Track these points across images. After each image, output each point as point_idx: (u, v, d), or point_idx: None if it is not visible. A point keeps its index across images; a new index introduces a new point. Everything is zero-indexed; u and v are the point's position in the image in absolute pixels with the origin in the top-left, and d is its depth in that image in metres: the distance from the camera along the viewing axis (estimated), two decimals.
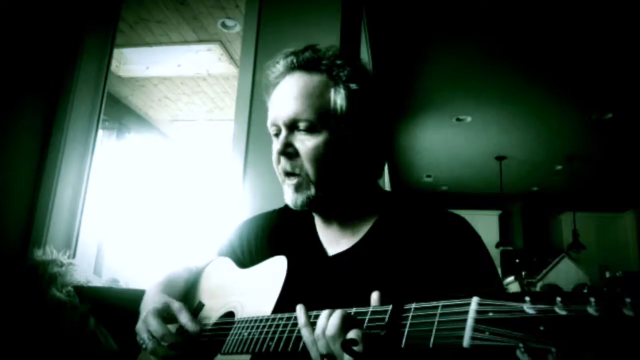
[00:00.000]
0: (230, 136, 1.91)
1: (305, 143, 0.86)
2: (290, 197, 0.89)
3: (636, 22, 3.13)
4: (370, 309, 0.65)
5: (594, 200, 7.56)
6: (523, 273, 5.88)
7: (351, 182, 0.90)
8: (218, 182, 4.45)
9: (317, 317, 0.69)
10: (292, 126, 0.87)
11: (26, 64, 2.01)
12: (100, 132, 2.26)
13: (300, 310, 0.70)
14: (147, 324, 0.89)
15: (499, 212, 7.75)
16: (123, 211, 3.91)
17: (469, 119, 4.95)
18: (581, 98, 4.33)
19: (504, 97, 4.43)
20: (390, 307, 0.62)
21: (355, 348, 0.60)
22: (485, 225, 7.61)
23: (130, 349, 1.04)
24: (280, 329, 0.75)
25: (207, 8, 2.84)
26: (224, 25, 3.00)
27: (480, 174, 6.81)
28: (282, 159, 0.89)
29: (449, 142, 5.67)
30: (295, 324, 0.71)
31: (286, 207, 1.08)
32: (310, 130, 0.86)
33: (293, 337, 0.71)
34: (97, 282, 1.97)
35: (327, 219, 0.94)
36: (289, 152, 0.87)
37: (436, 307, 0.56)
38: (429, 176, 7.13)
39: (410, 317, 0.59)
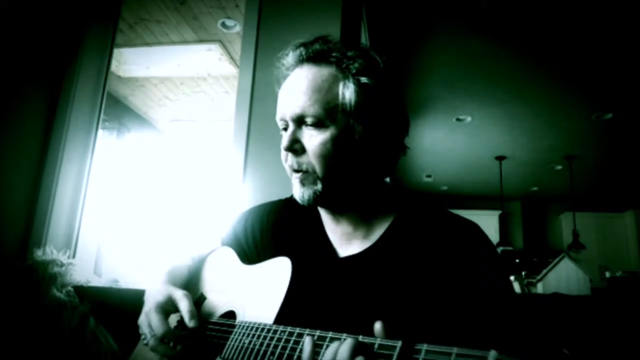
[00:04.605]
0: (230, 136, 1.91)
1: (313, 139, 0.83)
2: (297, 191, 0.86)
3: (636, 22, 3.13)
4: (378, 341, 0.60)
5: (594, 200, 7.56)
6: (523, 273, 5.88)
7: (360, 178, 0.86)
8: (218, 183, 4.45)
9: (321, 338, 0.66)
10: (299, 121, 0.84)
11: (26, 64, 2.01)
12: (100, 132, 2.26)
13: (307, 343, 0.66)
14: (149, 319, 0.87)
15: (499, 212, 7.75)
16: (123, 211, 3.91)
17: (469, 119, 4.95)
18: (581, 98, 4.34)
19: (504, 97, 4.43)
20: (399, 344, 0.57)
21: None
22: (485, 225, 7.55)
23: (131, 349, 1.04)
24: (282, 343, 0.72)
25: (207, 8, 2.84)
26: (224, 25, 3.00)
27: (480, 174, 6.81)
28: (289, 156, 0.86)
29: (449, 142, 5.67)
30: (298, 341, 0.69)
31: (292, 198, 1.05)
32: (318, 125, 0.82)
33: (294, 357, 0.68)
34: (97, 282, 1.97)
35: (336, 216, 0.90)
36: (295, 148, 0.84)
37: (449, 354, 0.51)
38: (429, 176, 7.13)
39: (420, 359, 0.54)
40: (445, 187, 7.72)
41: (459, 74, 4.01)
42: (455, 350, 0.50)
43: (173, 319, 0.90)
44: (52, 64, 2.12)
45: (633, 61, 3.62)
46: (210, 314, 0.95)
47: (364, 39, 2.83)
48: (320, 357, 0.64)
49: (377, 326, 0.62)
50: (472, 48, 3.57)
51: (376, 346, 0.59)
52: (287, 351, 0.70)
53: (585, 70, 3.79)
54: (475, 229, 0.84)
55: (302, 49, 0.87)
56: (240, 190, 1.81)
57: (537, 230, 8.18)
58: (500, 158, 6.12)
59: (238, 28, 2.99)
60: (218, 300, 0.97)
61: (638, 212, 7.35)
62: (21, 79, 1.99)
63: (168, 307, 0.89)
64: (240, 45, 2.21)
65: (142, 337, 0.89)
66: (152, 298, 0.90)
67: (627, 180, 6.69)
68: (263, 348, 0.74)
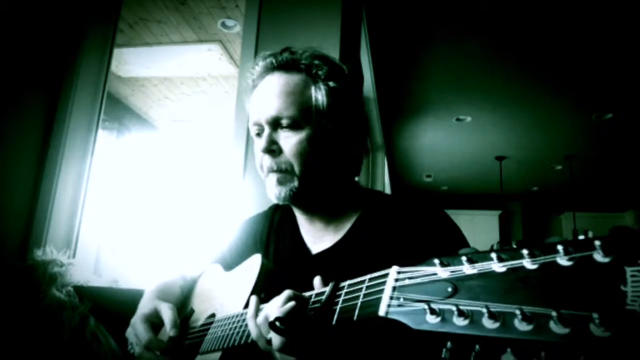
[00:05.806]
0: (230, 136, 1.91)
1: (289, 139, 0.87)
2: (274, 190, 0.89)
3: (636, 22, 3.13)
4: (315, 292, 0.67)
5: (594, 200, 7.55)
6: None
7: (333, 176, 0.92)
8: (218, 182, 4.45)
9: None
10: (275, 124, 0.88)
11: (26, 64, 2.01)
12: (100, 132, 2.26)
13: (252, 301, 0.72)
14: (135, 329, 0.92)
15: (499, 212, 7.75)
16: (123, 211, 3.91)
17: (469, 119, 4.95)
18: (581, 98, 4.33)
19: (504, 97, 4.43)
20: (330, 286, 0.64)
21: (279, 325, 0.61)
22: (485, 225, 7.61)
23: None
24: (245, 322, 0.77)
25: (207, 8, 2.84)
26: (224, 25, 3.00)
27: (480, 174, 6.81)
28: (266, 157, 0.89)
29: (449, 142, 5.67)
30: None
31: (271, 209, 1.10)
32: (294, 126, 0.87)
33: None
34: (97, 282, 1.97)
35: (310, 216, 0.95)
36: (272, 149, 0.88)
37: (363, 281, 0.57)
38: (429, 176, 7.13)
39: (343, 293, 0.60)
40: (445, 187, 7.71)
41: (459, 74, 4.01)
42: (368, 276, 0.57)
43: (165, 332, 0.93)
44: (52, 64, 2.12)
45: (633, 61, 3.62)
46: (197, 321, 1.01)
47: (364, 41, 2.83)
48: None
49: (316, 280, 0.70)
50: (472, 49, 3.57)
51: (313, 296, 0.67)
52: (249, 328, 0.76)
53: (584, 70, 3.79)
54: (436, 211, 0.89)
55: (271, 58, 0.93)
56: (240, 189, 1.81)
57: (537, 230, 8.17)
58: (500, 158, 6.12)
59: (238, 28, 2.99)
60: (203, 308, 1.03)
61: (638, 212, 7.34)
62: (21, 79, 1.99)
63: (152, 319, 0.93)
64: (240, 45, 2.21)
65: (129, 347, 0.94)
66: (139, 311, 0.95)
67: (627, 180, 6.69)
68: (230, 332, 0.81)
